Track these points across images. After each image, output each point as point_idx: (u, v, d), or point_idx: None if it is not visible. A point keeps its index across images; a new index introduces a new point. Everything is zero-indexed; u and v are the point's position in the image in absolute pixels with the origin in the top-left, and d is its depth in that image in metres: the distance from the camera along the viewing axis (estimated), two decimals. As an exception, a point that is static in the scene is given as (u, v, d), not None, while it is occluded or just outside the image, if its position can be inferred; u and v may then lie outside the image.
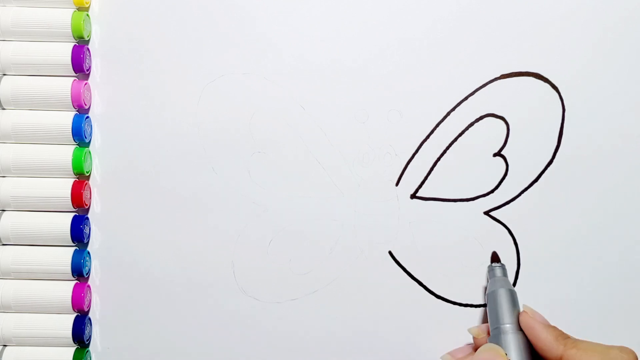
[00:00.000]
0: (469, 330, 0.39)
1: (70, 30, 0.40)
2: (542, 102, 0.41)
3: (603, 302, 0.41)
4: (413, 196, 0.41)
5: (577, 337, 0.35)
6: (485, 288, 0.40)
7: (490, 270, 0.39)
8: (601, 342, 0.34)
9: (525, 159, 0.41)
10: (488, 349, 0.34)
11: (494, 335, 0.36)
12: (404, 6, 0.41)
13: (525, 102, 0.41)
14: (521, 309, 0.37)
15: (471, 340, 0.40)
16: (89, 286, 0.41)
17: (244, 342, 0.41)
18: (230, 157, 0.41)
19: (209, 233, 0.41)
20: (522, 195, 0.41)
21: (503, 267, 0.39)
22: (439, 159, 0.41)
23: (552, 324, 0.36)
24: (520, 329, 0.35)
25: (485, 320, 0.40)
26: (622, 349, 0.33)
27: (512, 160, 0.41)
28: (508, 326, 0.35)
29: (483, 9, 0.41)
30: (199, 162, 0.41)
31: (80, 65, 0.40)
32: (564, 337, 0.34)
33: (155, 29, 0.41)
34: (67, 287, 0.40)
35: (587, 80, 0.41)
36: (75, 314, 0.41)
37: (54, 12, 0.40)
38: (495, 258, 0.40)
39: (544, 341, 0.34)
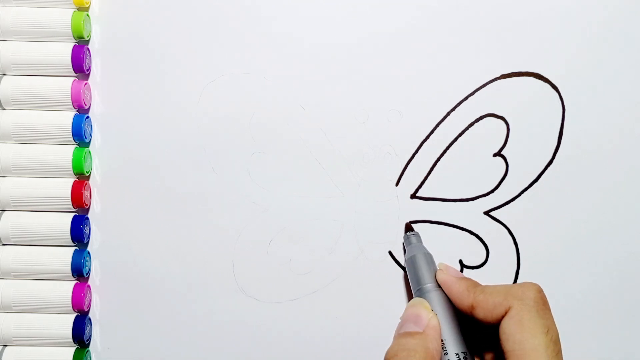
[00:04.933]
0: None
1: (70, 30, 0.40)
2: (542, 102, 0.41)
3: (603, 302, 0.41)
4: (413, 196, 0.41)
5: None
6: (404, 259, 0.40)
7: (406, 239, 0.40)
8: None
9: (525, 159, 0.41)
10: (413, 303, 0.35)
11: (416, 296, 0.37)
12: (404, 7, 0.41)
13: (525, 102, 0.41)
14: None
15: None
16: (89, 286, 0.41)
17: (244, 342, 0.41)
18: (230, 157, 0.41)
19: (209, 233, 0.41)
20: (522, 195, 0.41)
21: (417, 234, 0.40)
22: (439, 159, 0.41)
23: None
24: (439, 286, 0.36)
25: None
26: (525, 284, 0.34)
27: (512, 160, 0.41)
28: (428, 285, 0.37)
29: (483, 9, 0.41)
30: (199, 162, 0.41)
31: (80, 65, 0.40)
32: (474, 285, 0.35)
33: (155, 29, 0.41)
34: (67, 287, 0.40)
35: (587, 80, 0.41)
36: (75, 314, 0.41)
37: (54, 12, 0.40)
38: (408, 228, 0.40)
39: (457, 293, 0.35)
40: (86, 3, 0.41)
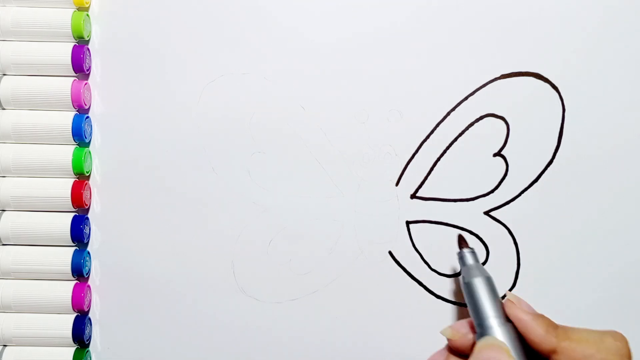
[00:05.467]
0: (442, 332, 0.36)
1: (70, 30, 0.40)
2: (542, 102, 0.41)
3: (603, 302, 0.41)
4: (413, 196, 0.41)
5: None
6: (460, 276, 0.37)
7: (461, 257, 0.37)
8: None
9: (525, 159, 0.41)
10: (489, 345, 0.32)
11: (480, 332, 0.34)
12: (404, 6, 0.41)
13: (525, 102, 0.41)
14: (502, 296, 0.35)
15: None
16: (89, 286, 0.41)
17: (244, 342, 0.41)
18: (230, 157, 0.41)
19: (209, 233, 0.41)
20: (522, 195, 0.41)
21: (473, 252, 0.37)
22: (439, 159, 0.41)
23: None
24: (508, 320, 0.33)
25: (460, 316, 0.39)
26: (615, 336, 0.31)
27: (512, 160, 0.41)
28: (495, 320, 0.33)
29: (483, 8, 0.41)
30: (199, 162, 0.41)
31: (80, 65, 0.40)
32: (554, 327, 0.32)
33: (155, 29, 0.41)
34: (67, 287, 0.40)
35: (587, 80, 0.41)
36: (75, 314, 0.41)
37: (54, 12, 0.40)
38: (463, 243, 0.37)
39: (535, 333, 0.32)
40: (86, 3, 0.41)
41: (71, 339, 0.40)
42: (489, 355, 0.32)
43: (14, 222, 0.40)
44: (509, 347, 0.32)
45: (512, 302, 0.34)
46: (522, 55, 0.41)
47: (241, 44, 0.41)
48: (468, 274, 0.36)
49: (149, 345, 0.41)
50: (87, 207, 0.41)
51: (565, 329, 0.32)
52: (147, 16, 0.41)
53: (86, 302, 0.41)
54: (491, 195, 0.41)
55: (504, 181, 0.41)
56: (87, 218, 0.41)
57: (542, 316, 0.33)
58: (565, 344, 0.31)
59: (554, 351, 0.32)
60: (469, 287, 0.35)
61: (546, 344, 0.32)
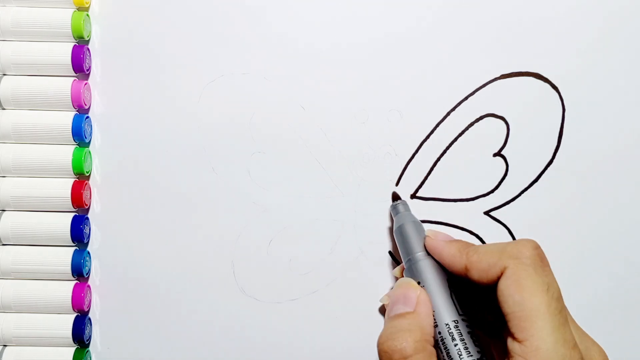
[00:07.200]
0: (394, 273, 0.39)
1: (70, 30, 0.40)
2: (542, 102, 0.41)
3: (604, 302, 0.41)
4: (413, 196, 0.41)
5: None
6: (391, 229, 0.40)
7: (393, 208, 0.39)
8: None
9: (525, 159, 0.41)
10: (399, 283, 0.34)
11: (408, 268, 0.36)
12: (404, 6, 0.41)
13: (525, 102, 0.41)
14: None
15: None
16: (89, 286, 0.41)
17: (244, 342, 0.41)
18: (230, 157, 0.41)
19: (208, 233, 0.41)
20: (522, 195, 0.41)
21: (405, 203, 0.39)
22: (439, 159, 0.41)
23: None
24: (429, 254, 0.35)
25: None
26: (520, 241, 0.32)
27: (512, 160, 0.41)
28: (418, 254, 0.35)
29: (483, 8, 0.41)
30: (199, 162, 0.41)
31: (80, 65, 0.40)
32: (466, 246, 0.33)
33: (155, 29, 0.41)
34: (67, 287, 0.40)
35: (587, 80, 0.41)
36: (75, 314, 0.41)
37: (54, 12, 0.40)
38: (395, 197, 0.40)
39: (448, 257, 0.33)
40: (86, 3, 0.41)
41: (71, 339, 0.40)
42: (399, 292, 0.33)
43: (14, 222, 0.40)
44: (427, 277, 0.34)
45: (430, 236, 0.35)
46: (522, 55, 0.41)
47: (241, 44, 0.41)
48: (398, 221, 0.38)
49: (149, 345, 0.41)
50: (87, 207, 0.41)
51: (475, 247, 0.33)
52: (147, 16, 0.41)
53: (86, 302, 0.41)
54: (491, 195, 0.41)
55: (504, 181, 0.41)
56: (87, 218, 0.41)
57: (456, 240, 0.34)
58: (474, 257, 0.32)
59: (466, 268, 0.32)
60: (398, 232, 0.37)
61: (458, 263, 0.33)
